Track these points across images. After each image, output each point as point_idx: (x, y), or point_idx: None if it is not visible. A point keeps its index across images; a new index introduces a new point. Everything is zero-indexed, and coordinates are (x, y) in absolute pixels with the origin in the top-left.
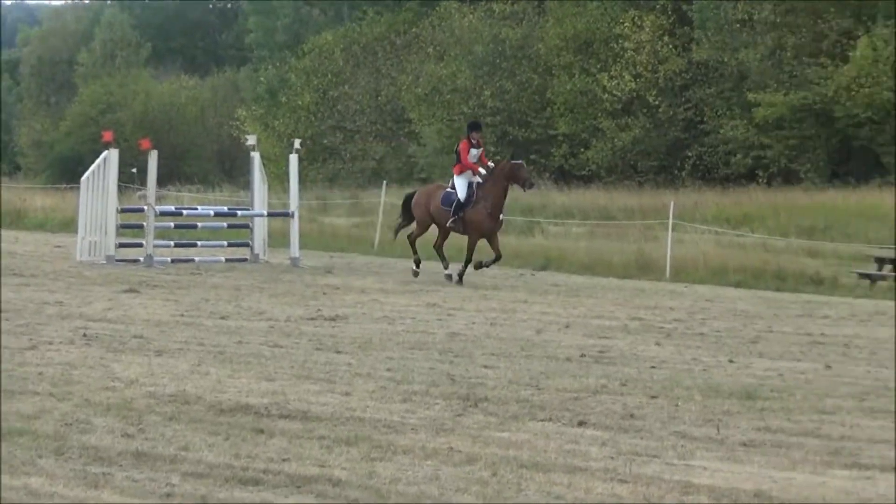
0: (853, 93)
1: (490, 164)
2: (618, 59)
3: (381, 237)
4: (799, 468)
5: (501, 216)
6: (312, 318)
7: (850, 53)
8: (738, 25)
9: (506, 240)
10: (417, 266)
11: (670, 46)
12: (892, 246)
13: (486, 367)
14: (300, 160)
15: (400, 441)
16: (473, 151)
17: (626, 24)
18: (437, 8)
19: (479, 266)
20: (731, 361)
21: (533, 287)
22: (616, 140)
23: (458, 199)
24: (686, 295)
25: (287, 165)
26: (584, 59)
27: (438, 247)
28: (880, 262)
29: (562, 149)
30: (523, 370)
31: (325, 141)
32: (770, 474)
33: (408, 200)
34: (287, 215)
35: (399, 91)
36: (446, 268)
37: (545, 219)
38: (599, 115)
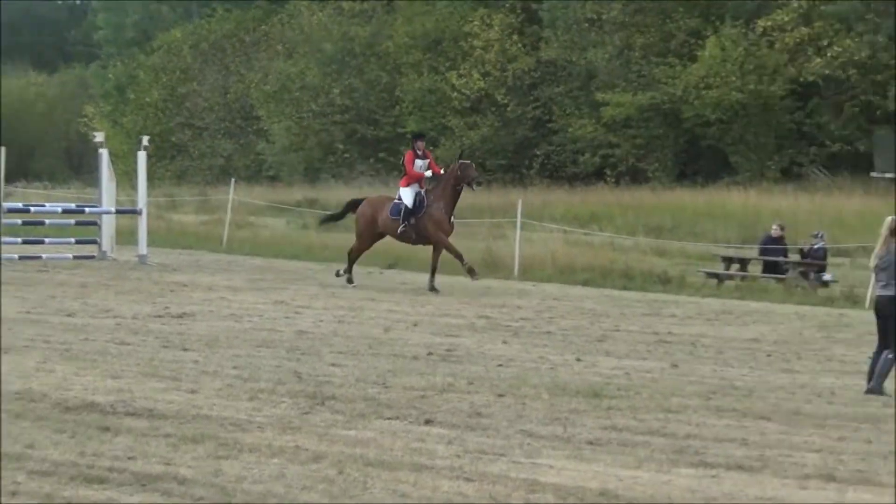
0: (701, 93)
1: (441, 171)
2: (467, 58)
3: (230, 234)
4: (645, 466)
5: (453, 219)
6: (159, 316)
7: (699, 53)
8: (586, 25)
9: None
10: (343, 274)
11: (519, 45)
12: (740, 245)
13: (333, 365)
14: (148, 157)
15: (246, 439)
16: (419, 162)
17: (475, 23)
18: (287, 6)
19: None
20: (578, 360)
21: (381, 285)
22: (465, 138)
23: (406, 207)
24: (533, 293)
25: (135, 162)
26: (433, 57)
27: (353, 255)
28: (727, 261)
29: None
30: (370, 368)
31: (174, 138)
32: (616, 473)
33: (353, 205)
34: (135, 212)
35: (248, 88)
36: (347, 272)
37: None
38: (448, 113)
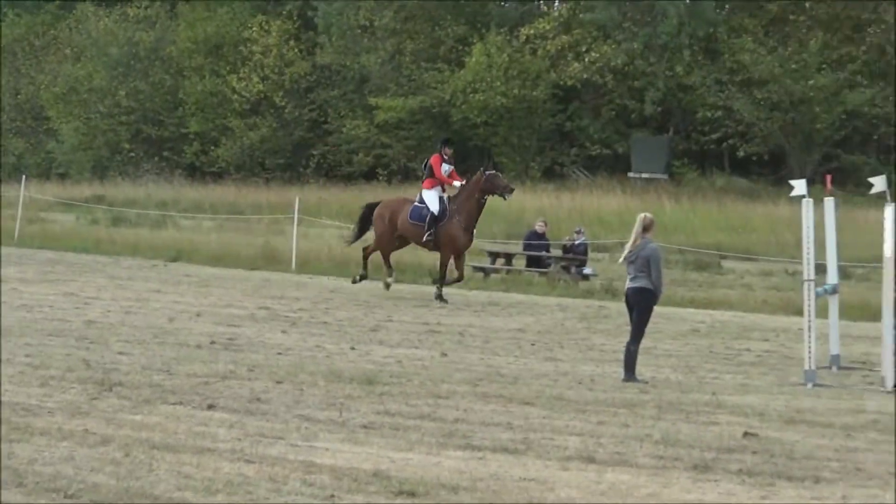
0: (468, 97)
1: (459, 182)
2: (246, 62)
3: (21, 229)
4: (416, 449)
5: (474, 231)
6: None
7: (466, 59)
8: (359, 31)
9: (142, 232)
10: (358, 281)
11: (296, 50)
12: (505, 241)
13: (120, 353)
14: None
15: (37, 423)
16: (445, 167)
17: (254, 29)
18: (75, 11)
19: (442, 288)
20: (352, 348)
21: (165, 277)
22: (245, 139)
23: (432, 213)
24: (310, 286)
25: None
26: (214, 61)
27: (367, 254)
28: (494, 255)
29: (193, 146)
30: (156, 356)
31: None
32: (388, 455)
33: (368, 212)
34: None
35: (38, 90)
36: (362, 269)
37: (177, 212)
38: (229, 114)
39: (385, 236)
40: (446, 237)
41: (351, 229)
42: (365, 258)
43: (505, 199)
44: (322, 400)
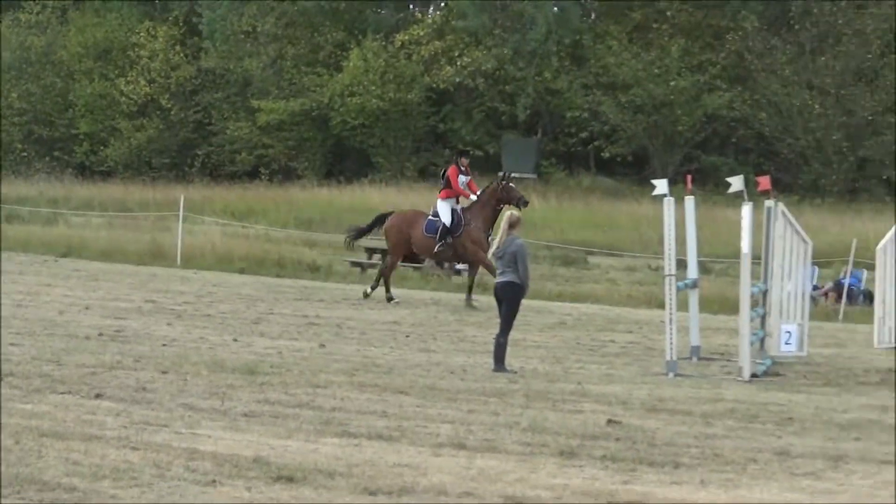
0: (346, 100)
1: (476, 194)
2: (134, 66)
3: None
4: (294, 436)
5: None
6: None
7: (344, 64)
8: (243, 36)
9: (33, 229)
10: (393, 298)
11: (182, 55)
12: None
13: (12, 344)
14: None
15: None
16: (462, 178)
17: (141, 34)
18: None
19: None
20: (235, 340)
21: (56, 272)
22: (132, 139)
23: (444, 225)
24: (195, 280)
25: None
26: (103, 65)
27: (387, 273)
28: (370, 251)
29: (83, 146)
30: (46, 347)
31: None
32: (268, 442)
33: (378, 221)
34: None
35: None
36: (386, 292)
37: (68, 210)
38: (117, 116)
39: (399, 248)
40: (471, 242)
41: (348, 230)
42: (386, 280)
43: (520, 209)
44: (205, 389)
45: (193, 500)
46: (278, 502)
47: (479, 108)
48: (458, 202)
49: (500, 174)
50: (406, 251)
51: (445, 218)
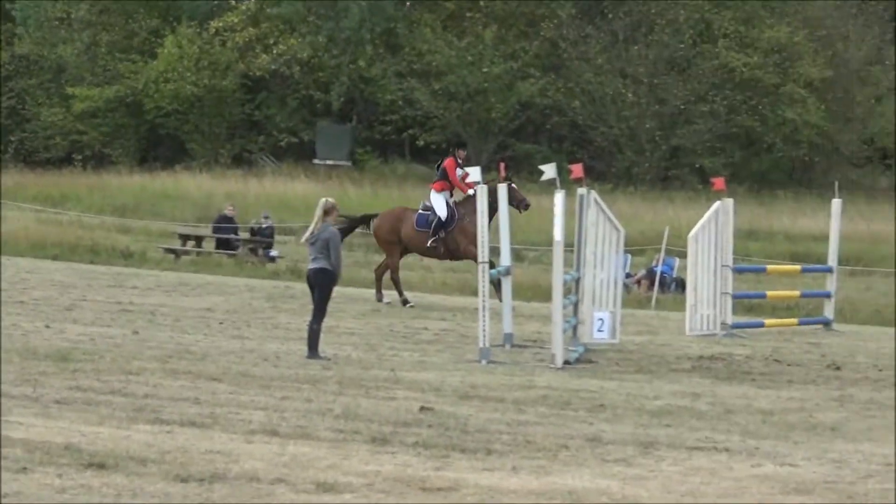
0: (160, 86)
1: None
2: None
3: None
4: (107, 423)
5: None
6: None
7: (158, 51)
8: (57, 22)
9: None
10: (408, 302)
11: None
12: (196, 224)
13: None
14: None
15: None
16: (459, 171)
17: None
18: None
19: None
20: (47, 327)
21: None
22: None
23: (439, 218)
24: (8, 266)
25: None
26: None
27: (395, 277)
28: (184, 238)
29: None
30: None
31: None
32: (80, 429)
33: (360, 221)
34: None
35: None
36: (399, 295)
37: None
38: None
39: (394, 247)
40: (464, 237)
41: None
42: (395, 283)
43: (521, 212)
44: (17, 376)
45: (4, 487)
46: (90, 489)
47: (293, 96)
48: (451, 196)
49: (504, 174)
50: (398, 248)
51: (441, 211)
